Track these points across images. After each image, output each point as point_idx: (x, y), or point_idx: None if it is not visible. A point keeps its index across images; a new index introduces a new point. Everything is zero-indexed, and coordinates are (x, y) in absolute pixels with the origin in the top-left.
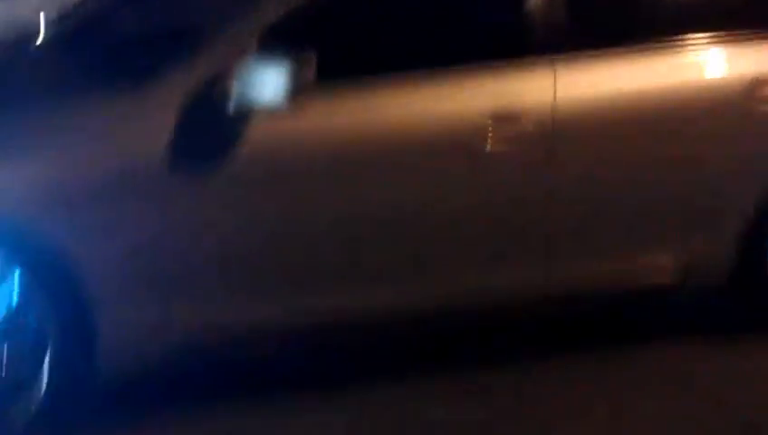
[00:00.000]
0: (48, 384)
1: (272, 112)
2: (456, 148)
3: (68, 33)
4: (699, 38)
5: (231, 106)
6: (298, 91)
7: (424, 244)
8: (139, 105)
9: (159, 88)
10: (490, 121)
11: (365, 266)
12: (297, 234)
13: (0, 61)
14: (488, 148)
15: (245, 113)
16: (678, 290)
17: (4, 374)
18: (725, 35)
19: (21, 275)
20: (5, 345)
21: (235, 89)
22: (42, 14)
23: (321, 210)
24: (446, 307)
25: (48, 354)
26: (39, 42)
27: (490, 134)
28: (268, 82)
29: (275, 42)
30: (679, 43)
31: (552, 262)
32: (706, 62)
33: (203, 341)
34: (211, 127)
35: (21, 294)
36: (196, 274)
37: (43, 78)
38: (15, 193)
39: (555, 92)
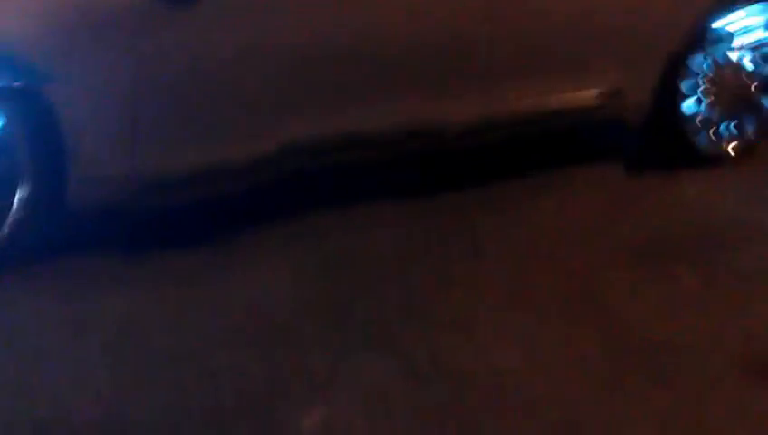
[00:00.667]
0: (16, 216)
1: None
2: None
3: None
4: None
5: None
6: None
7: (375, 72)
8: None
9: None
10: None
11: (321, 94)
12: (259, 65)
13: None
14: None
15: None
16: (602, 116)
17: None
18: None
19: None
20: None
21: None
22: None
23: (279, 42)
24: (391, 134)
25: (20, 188)
26: None
27: None
28: None
29: None
30: None
31: (492, 88)
32: None
33: (172, 182)
34: None
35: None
36: (164, 115)
37: None
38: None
39: None
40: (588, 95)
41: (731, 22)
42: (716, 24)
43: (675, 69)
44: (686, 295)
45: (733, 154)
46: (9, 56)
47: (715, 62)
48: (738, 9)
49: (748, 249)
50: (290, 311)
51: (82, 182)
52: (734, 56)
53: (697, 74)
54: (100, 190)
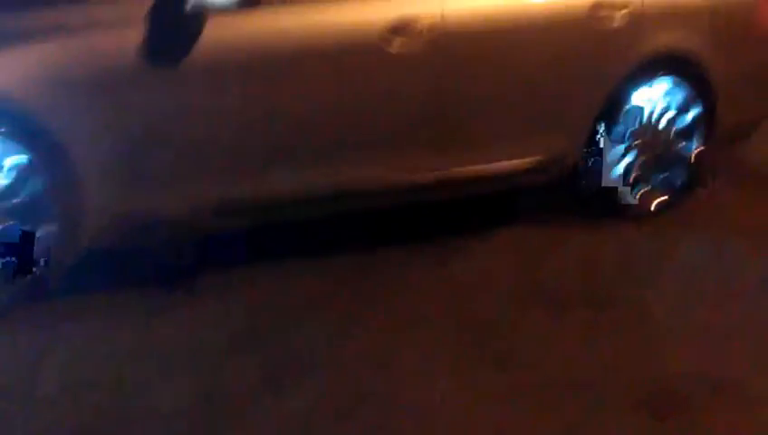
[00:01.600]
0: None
1: (219, 17)
2: (364, 50)
3: None
4: None
5: (190, 11)
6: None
7: (335, 135)
8: (114, 8)
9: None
10: (392, 26)
11: (288, 153)
12: (235, 123)
13: None
14: (390, 49)
15: (202, 17)
16: (538, 178)
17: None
18: None
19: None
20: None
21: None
22: None
23: (253, 103)
24: (346, 191)
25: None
26: None
27: (392, 37)
28: None
29: None
30: None
31: (439, 151)
32: None
33: (165, 221)
34: (175, 27)
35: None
36: (161, 160)
37: None
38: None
39: (445, 6)
40: (532, 160)
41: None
42: (636, 94)
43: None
44: (590, 339)
45: (654, 209)
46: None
47: (636, 126)
48: (654, 81)
49: (652, 298)
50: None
51: (94, 221)
52: (654, 119)
53: (621, 138)
54: (107, 228)
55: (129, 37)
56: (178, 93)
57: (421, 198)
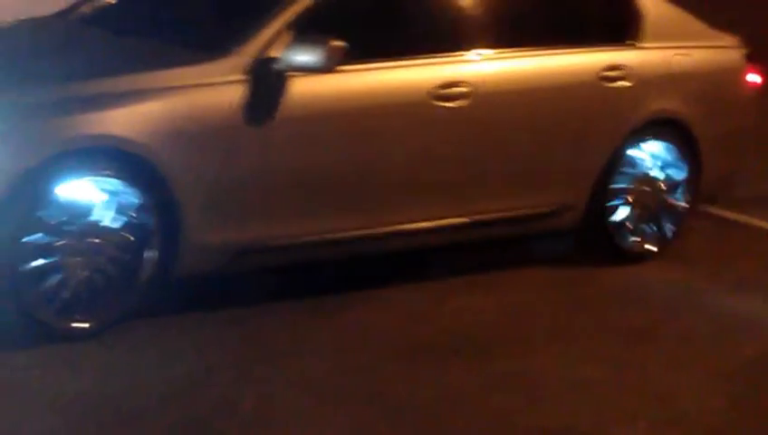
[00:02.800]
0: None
1: (305, 79)
2: (416, 106)
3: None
4: (566, 44)
5: (278, 73)
6: (322, 66)
7: (393, 179)
8: (220, 67)
9: (234, 58)
10: (439, 86)
11: (355, 196)
12: (322, 170)
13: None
14: (437, 106)
15: (285, 78)
16: (554, 225)
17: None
18: (581, 43)
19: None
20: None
21: (281, 61)
22: None
23: (327, 151)
24: (402, 231)
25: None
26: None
27: (442, 89)
28: (303, 58)
29: (306, 27)
30: (554, 46)
31: (475, 196)
32: (576, 58)
33: (253, 251)
34: (265, 85)
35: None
36: (251, 200)
37: (146, 50)
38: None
39: (483, 70)
40: (545, 208)
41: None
42: (631, 152)
43: (602, 186)
44: (457, 388)
45: (654, 250)
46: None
47: (633, 179)
48: (649, 140)
49: (511, 353)
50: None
51: (190, 250)
52: (648, 173)
53: (620, 189)
54: (202, 257)
55: (227, 95)
56: (268, 143)
57: (456, 239)
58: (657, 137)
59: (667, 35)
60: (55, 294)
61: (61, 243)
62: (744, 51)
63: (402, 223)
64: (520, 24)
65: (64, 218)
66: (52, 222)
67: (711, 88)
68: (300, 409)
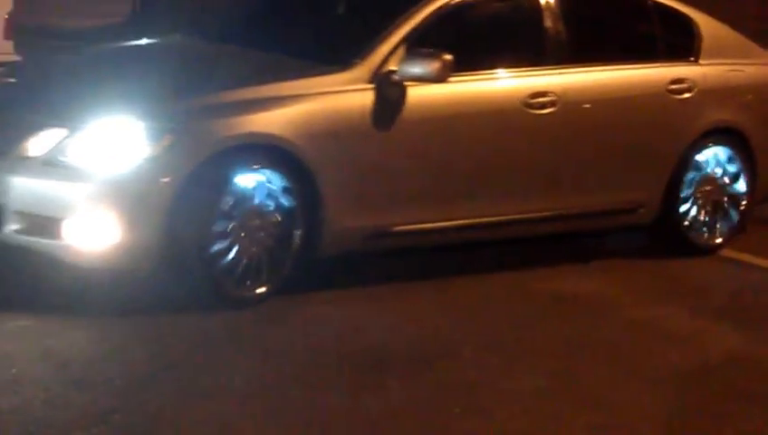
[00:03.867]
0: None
1: (419, 88)
2: (519, 114)
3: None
4: (638, 58)
5: (397, 83)
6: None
7: (494, 176)
8: (350, 76)
9: (358, 67)
10: (530, 94)
11: (488, 187)
12: (435, 166)
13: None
14: (529, 112)
15: (404, 87)
16: (632, 220)
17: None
18: (650, 58)
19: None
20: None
21: (400, 72)
22: None
23: (439, 150)
24: (503, 221)
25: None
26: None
27: (534, 98)
28: (417, 69)
29: (416, 42)
30: (627, 62)
31: (563, 193)
32: (646, 72)
33: (385, 236)
34: (386, 93)
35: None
36: (384, 190)
37: (283, 63)
38: (283, 126)
39: (567, 81)
40: (623, 204)
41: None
42: (697, 156)
43: (673, 187)
44: (391, 406)
45: (720, 243)
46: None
47: (700, 181)
48: (709, 147)
49: (450, 364)
50: None
51: (331, 231)
52: (712, 175)
53: (689, 191)
54: (341, 237)
55: (355, 100)
56: (390, 141)
57: (546, 230)
58: (718, 143)
59: (722, 53)
60: (233, 268)
61: (232, 226)
62: None
63: (499, 214)
64: (598, 44)
65: (233, 205)
66: (226, 209)
67: (762, 100)
68: (227, 422)
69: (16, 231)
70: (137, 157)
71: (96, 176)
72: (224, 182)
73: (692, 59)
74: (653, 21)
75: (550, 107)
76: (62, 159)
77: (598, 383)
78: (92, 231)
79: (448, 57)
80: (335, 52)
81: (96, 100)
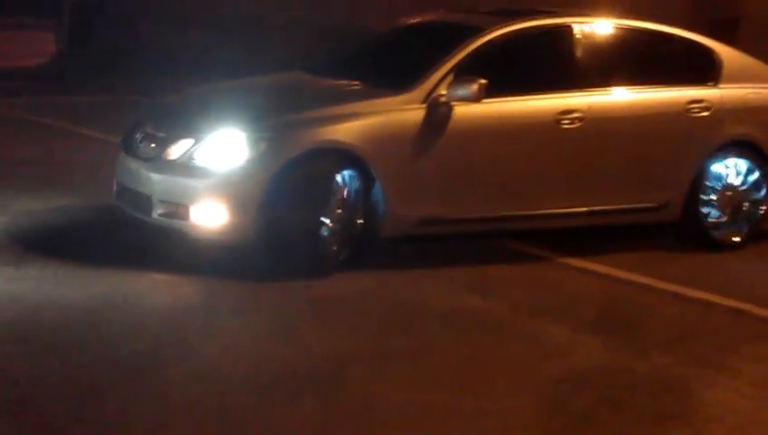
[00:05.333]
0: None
1: (463, 108)
2: (551, 128)
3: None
4: (659, 83)
5: (443, 102)
6: (475, 98)
7: (529, 179)
8: (407, 98)
9: (415, 91)
10: (560, 112)
11: (509, 190)
12: (479, 170)
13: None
14: (560, 127)
15: (451, 106)
16: (660, 217)
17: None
18: (670, 83)
19: (351, 177)
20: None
21: (447, 95)
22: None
23: (480, 158)
24: (530, 218)
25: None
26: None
27: (564, 115)
28: (460, 92)
29: (465, 71)
30: (651, 84)
31: (589, 192)
32: (665, 94)
33: (430, 223)
34: (437, 111)
35: (350, 187)
36: (432, 187)
37: (353, 89)
38: (350, 135)
39: (592, 101)
40: (645, 204)
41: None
42: (716, 165)
43: (694, 191)
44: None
45: (738, 241)
46: (353, 152)
47: (720, 187)
48: (729, 158)
49: (341, 382)
50: None
51: (389, 219)
52: (732, 183)
53: (711, 195)
54: (398, 224)
55: (412, 117)
56: (440, 148)
57: (578, 223)
58: (738, 155)
59: (742, 78)
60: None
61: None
62: None
63: (537, 209)
64: (623, 71)
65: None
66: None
67: None
68: None
69: (160, 215)
70: (240, 158)
71: (212, 173)
72: (327, 178)
73: (711, 83)
74: (677, 52)
75: (577, 122)
76: (190, 161)
77: (484, 395)
78: (210, 214)
79: (483, 82)
80: (401, 79)
81: (216, 118)
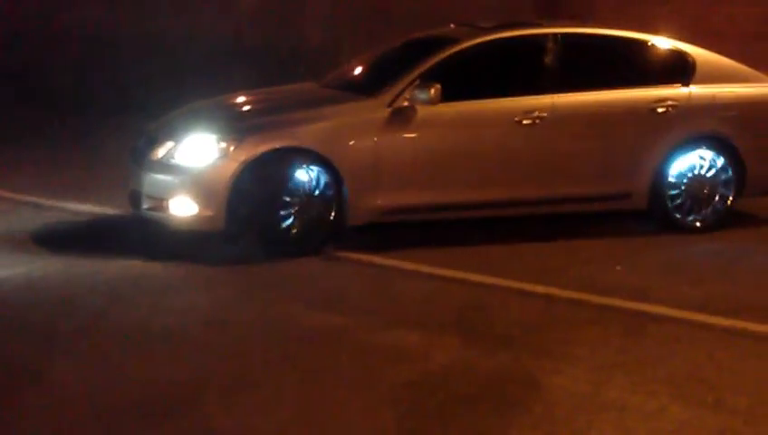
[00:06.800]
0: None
1: (426, 110)
2: (511, 124)
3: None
4: (626, 84)
5: (408, 104)
6: (432, 101)
7: (497, 170)
8: (374, 102)
9: (378, 99)
10: (522, 111)
11: (467, 182)
12: (443, 162)
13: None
14: (523, 123)
15: (414, 108)
16: (626, 205)
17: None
18: (638, 84)
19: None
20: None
21: (409, 99)
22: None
23: (450, 151)
24: (499, 204)
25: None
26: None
27: (524, 115)
28: (420, 96)
29: (431, 78)
30: (618, 86)
31: (555, 183)
32: (631, 94)
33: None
34: (400, 113)
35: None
36: (395, 178)
37: (332, 97)
38: (315, 136)
39: (556, 102)
40: (610, 192)
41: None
42: (683, 157)
43: (660, 180)
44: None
45: (699, 226)
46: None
47: (685, 176)
48: (698, 149)
49: (192, 409)
50: None
51: (353, 208)
52: (698, 172)
53: (676, 184)
54: (361, 213)
55: (377, 117)
56: (403, 146)
57: (541, 211)
58: (707, 148)
59: (714, 79)
60: (291, 229)
61: (291, 202)
62: None
63: (501, 196)
64: (591, 73)
65: (294, 189)
66: (291, 190)
67: (746, 113)
68: None
69: (146, 209)
70: (210, 158)
71: (186, 170)
72: (284, 174)
73: (681, 84)
74: (648, 57)
75: (539, 121)
76: (169, 160)
77: (340, 408)
78: (184, 207)
79: (438, 87)
80: (375, 87)
81: (195, 123)
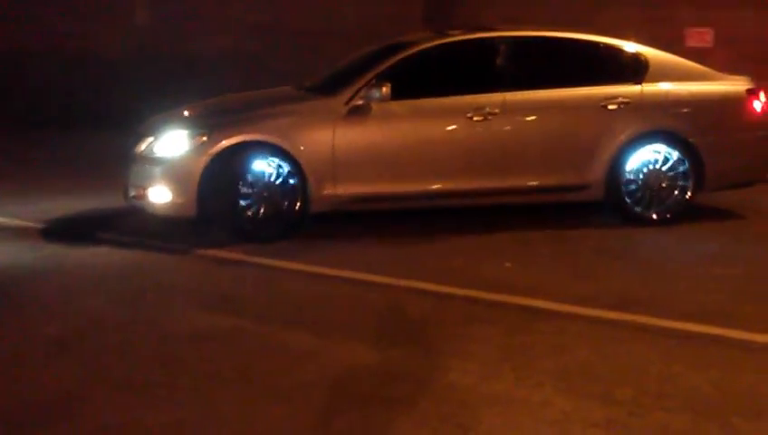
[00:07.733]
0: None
1: (381, 107)
2: (462, 120)
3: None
4: (577, 83)
5: (364, 102)
6: (384, 99)
7: (449, 162)
8: (333, 101)
9: (337, 98)
10: (473, 108)
11: (419, 173)
12: (397, 155)
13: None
14: (473, 120)
15: (369, 105)
16: (583, 197)
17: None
18: (589, 82)
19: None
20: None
21: (365, 97)
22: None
23: (402, 145)
24: (453, 194)
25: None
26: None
27: (476, 111)
28: (373, 94)
29: (387, 78)
30: (570, 84)
31: (507, 175)
32: (581, 92)
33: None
34: (356, 110)
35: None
36: (352, 169)
37: (298, 96)
38: (278, 131)
39: (507, 99)
40: (565, 183)
41: (648, 151)
42: (637, 151)
43: (615, 173)
44: None
45: (655, 218)
46: (274, 145)
47: (639, 171)
48: (652, 145)
49: (85, 409)
50: None
51: (315, 199)
52: (653, 166)
53: (631, 177)
54: (323, 203)
55: (334, 114)
56: (359, 140)
57: (497, 201)
58: (662, 142)
59: (667, 77)
60: (254, 217)
61: (252, 191)
62: (747, 86)
63: (454, 187)
64: (544, 73)
65: (255, 180)
66: (250, 180)
67: (700, 109)
68: None
69: (131, 197)
70: (182, 151)
71: (162, 162)
72: (243, 166)
73: (633, 82)
74: (601, 57)
75: (490, 116)
76: (150, 153)
77: (237, 408)
78: (160, 194)
79: (388, 85)
80: (336, 87)
81: (172, 121)
